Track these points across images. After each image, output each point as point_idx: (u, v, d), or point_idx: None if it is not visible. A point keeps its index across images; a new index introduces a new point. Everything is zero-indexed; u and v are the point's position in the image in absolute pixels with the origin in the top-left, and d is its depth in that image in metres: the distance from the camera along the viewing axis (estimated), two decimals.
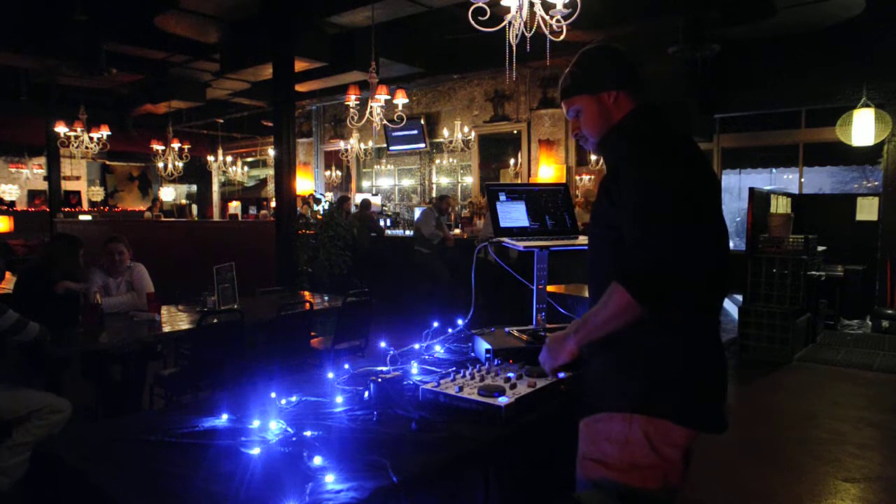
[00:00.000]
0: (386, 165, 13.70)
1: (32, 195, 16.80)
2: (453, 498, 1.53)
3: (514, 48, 3.89)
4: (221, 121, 13.66)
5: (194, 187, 19.13)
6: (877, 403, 4.85)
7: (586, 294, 2.83)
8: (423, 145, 12.16)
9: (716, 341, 1.60)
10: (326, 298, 5.05)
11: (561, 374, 1.94)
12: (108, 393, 3.84)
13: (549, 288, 2.50)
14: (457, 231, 9.90)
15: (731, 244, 10.94)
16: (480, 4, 3.67)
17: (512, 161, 11.05)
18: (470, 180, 12.05)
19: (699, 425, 1.53)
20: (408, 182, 13.60)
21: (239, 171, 16.46)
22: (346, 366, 2.20)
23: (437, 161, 12.72)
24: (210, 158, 15.04)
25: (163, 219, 13.75)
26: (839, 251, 7.60)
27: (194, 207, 17.42)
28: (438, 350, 2.42)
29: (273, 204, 8.36)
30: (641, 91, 1.73)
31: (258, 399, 1.84)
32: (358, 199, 11.02)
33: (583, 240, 2.39)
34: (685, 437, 1.52)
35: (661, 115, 1.69)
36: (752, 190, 6.63)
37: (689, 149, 1.62)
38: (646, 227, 1.46)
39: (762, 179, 11.14)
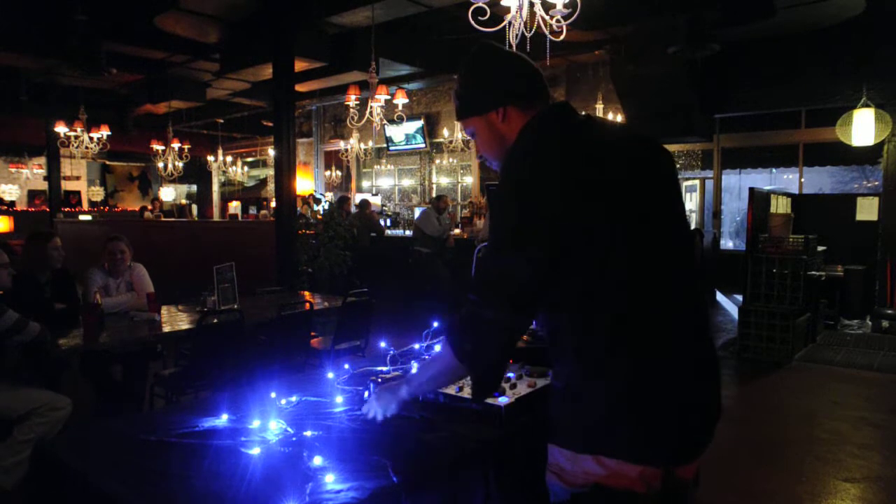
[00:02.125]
0: (386, 165, 13.71)
1: (32, 195, 16.80)
2: (453, 498, 1.53)
3: (514, 48, 3.89)
4: (221, 121, 13.66)
5: (194, 187, 19.13)
6: (877, 403, 4.85)
7: None
8: (423, 145, 12.17)
9: (661, 359, 1.37)
10: (326, 298, 5.05)
11: None
12: (108, 393, 3.84)
13: None
14: (457, 231, 9.90)
15: (731, 244, 10.97)
16: (480, 4, 3.67)
17: None
18: (470, 180, 12.06)
19: (652, 461, 1.36)
20: (408, 182, 13.60)
21: (239, 171, 16.47)
22: (346, 366, 2.20)
23: (437, 161, 12.72)
24: (210, 158, 15.05)
25: (163, 219, 13.75)
26: (839, 251, 7.60)
27: (194, 207, 17.43)
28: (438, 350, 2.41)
29: (273, 204, 8.36)
30: (542, 99, 1.53)
31: (258, 399, 1.84)
32: (357, 199, 11.02)
33: None
34: (639, 471, 1.35)
35: (558, 117, 1.49)
36: (752, 190, 6.63)
37: (585, 147, 1.42)
38: (480, 266, 1.41)
39: (762, 179, 11.14)
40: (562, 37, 3.86)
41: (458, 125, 11.06)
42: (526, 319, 1.44)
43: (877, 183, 8.60)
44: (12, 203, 15.36)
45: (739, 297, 6.73)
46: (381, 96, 6.85)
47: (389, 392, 1.62)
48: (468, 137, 11.02)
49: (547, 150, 1.40)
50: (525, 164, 1.40)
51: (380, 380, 1.87)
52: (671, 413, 1.37)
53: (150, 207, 16.00)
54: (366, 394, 1.79)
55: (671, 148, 10.52)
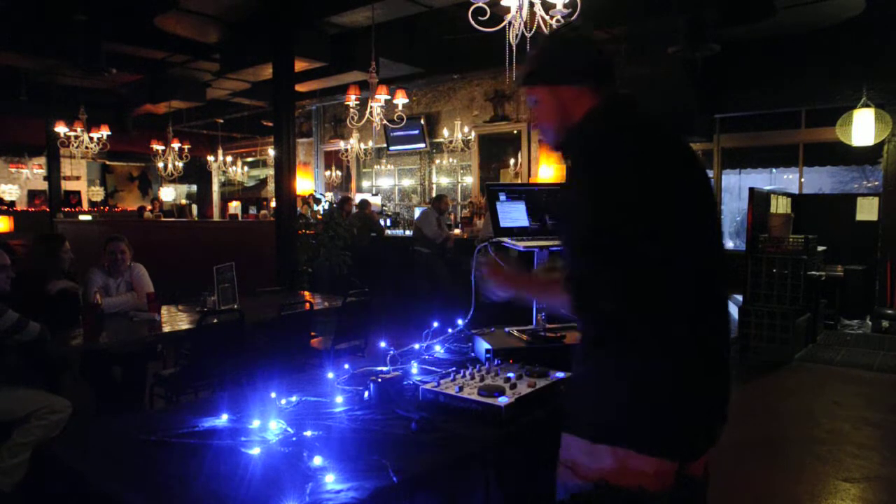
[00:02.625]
0: (386, 165, 13.70)
1: (32, 195, 16.79)
2: (453, 498, 1.54)
3: (514, 48, 3.89)
4: (221, 121, 13.66)
5: (194, 187, 19.12)
6: (877, 403, 4.85)
7: None
8: (423, 145, 12.16)
9: (695, 357, 1.42)
10: (326, 298, 5.05)
11: (560, 374, 1.94)
12: (108, 393, 3.84)
13: None
14: (457, 231, 9.90)
15: (732, 244, 10.97)
16: (480, 4, 3.67)
17: (512, 161, 11.05)
18: (470, 180, 12.05)
19: (670, 455, 1.39)
20: (408, 182, 13.59)
21: (239, 171, 16.46)
22: (346, 366, 2.20)
23: (437, 161, 12.71)
24: (210, 158, 15.04)
25: (163, 219, 13.75)
26: (839, 251, 7.60)
27: (194, 207, 17.42)
28: (438, 350, 2.42)
29: (273, 204, 8.36)
30: (610, 85, 1.58)
31: (258, 399, 1.84)
32: (358, 199, 11.03)
33: None
34: (655, 465, 1.38)
35: (627, 109, 1.57)
36: (752, 190, 6.63)
37: (657, 147, 1.50)
38: (584, 235, 1.39)
39: (762, 179, 11.14)
40: None
41: (457, 125, 11.06)
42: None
43: (877, 183, 8.59)
44: (12, 203, 15.35)
45: (739, 297, 6.73)
46: (381, 96, 6.85)
47: (504, 277, 1.65)
48: (464, 142, 10.93)
49: (626, 148, 1.45)
50: (606, 160, 1.43)
51: (379, 379, 1.87)
52: (694, 407, 1.41)
53: (148, 207, 15.99)
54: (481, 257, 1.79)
55: None
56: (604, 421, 1.41)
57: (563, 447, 1.49)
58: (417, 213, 9.94)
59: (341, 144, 12.68)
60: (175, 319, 4.06)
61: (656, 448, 1.37)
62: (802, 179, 9.06)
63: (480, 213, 10.92)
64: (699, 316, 1.43)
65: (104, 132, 10.55)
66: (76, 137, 10.33)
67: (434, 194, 11.98)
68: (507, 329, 2.42)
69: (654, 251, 1.36)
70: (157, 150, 12.05)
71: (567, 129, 1.57)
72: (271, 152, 10.17)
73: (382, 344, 2.36)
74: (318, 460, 1.44)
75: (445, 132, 11.15)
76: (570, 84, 1.56)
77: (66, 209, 13.95)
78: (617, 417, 1.39)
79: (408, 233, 10.19)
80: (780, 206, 7.23)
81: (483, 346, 2.20)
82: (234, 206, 15.63)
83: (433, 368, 2.14)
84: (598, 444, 1.40)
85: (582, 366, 1.50)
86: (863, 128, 7.42)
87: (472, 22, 3.75)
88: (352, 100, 7.26)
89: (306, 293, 5.47)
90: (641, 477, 1.37)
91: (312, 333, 4.58)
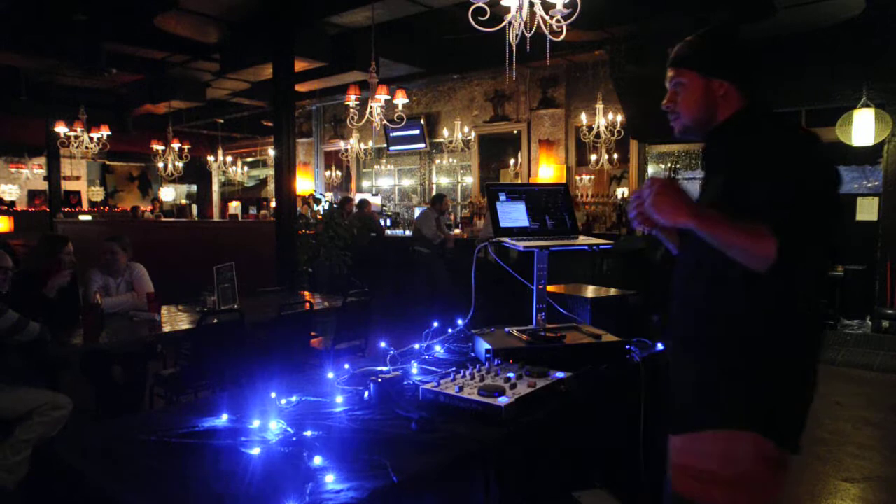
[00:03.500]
0: (386, 165, 13.70)
1: (32, 195, 16.78)
2: (453, 498, 1.53)
3: (514, 48, 3.89)
4: (221, 121, 13.66)
5: (194, 187, 19.11)
6: (877, 403, 4.85)
7: (586, 294, 2.83)
8: (423, 145, 12.16)
9: (818, 350, 1.49)
10: (326, 298, 5.05)
11: (560, 374, 1.94)
12: (108, 393, 3.84)
13: (549, 288, 2.50)
14: (457, 231, 9.90)
15: None
16: (480, 4, 3.67)
17: (512, 161, 11.05)
18: (470, 180, 12.05)
19: (791, 445, 1.46)
20: (408, 182, 13.60)
21: (239, 171, 16.46)
22: (346, 366, 2.20)
23: (437, 161, 12.71)
24: (210, 158, 15.04)
25: (163, 219, 13.74)
26: (839, 251, 7.60)
27: (194, 207, 17.42)
28: (438, 350, 2.42)
29: (273, 204, 8.36)
30: (753, 89, 1.59)
31: (258, 399, 1.84)
32: (357, 199, 11.02)
33: (583, 240, 2.39)
34: (786, 458, 1.46)
35: (781, 117, 1.60)
36: None
37: (818, 143, 1.53)
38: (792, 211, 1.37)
39: None
40: (562, 37, 3.85)
41: (457, 125, 11.05)
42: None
43: (877, 183, 8.59)
44: (12, 203, 15.35)
45: None
46: (381, 96, 6.85)
47: (675, 200, 1.46)
48: (464, 142, 10.87)
49: (812, 152, 1.48)
50: (798, 163, 1.44)
51: (379, 379, 1.87)
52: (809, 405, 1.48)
53: (143, 208, 15.96)
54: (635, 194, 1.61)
55: (671, 148, 10.52)
56: (752, 407, 1.43)
57: (682, 454, 1.52)
58: (417, 213, 9.94)
59: (341, 144, 12.67)
60: (175, 319, 4.06)
61: (791, 441, 1.47)
62: None
63: (480, 213, 10.92)
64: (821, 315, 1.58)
65: (104, 132, 10.55)
66: (76, 137, 10.33)
67: (434, 194, 12.00)
68: (507, 329, 2.42)
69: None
70: (157, 150, 12.04)
71: (709, 119, 1.58)
72: (271, 152, 10.17)
73: (382, 344, 2.36)
74: (318, 460, 1.44)
75: (445, 132, 11.15)
76: (723, 78, 1.55)
77: (66, 209, 13.95)
78: (770, 404, 1.42)
79: (408, 233, 10.19)
80: None
81: (483, 346, 2.20)
82: (234, 206, 15.63)
83: (433, 368, 2.14)
84: (741, 431, 1.42)
85: (714, 355, 1.48)
86: (863, 128, 7.42)
87: (472, 22, 3.75)
88: (352, 100, 7.26)
89: (306, 293, 5.47)
90: (779, 471, 1.46)
91: (312, 333, 4.58)
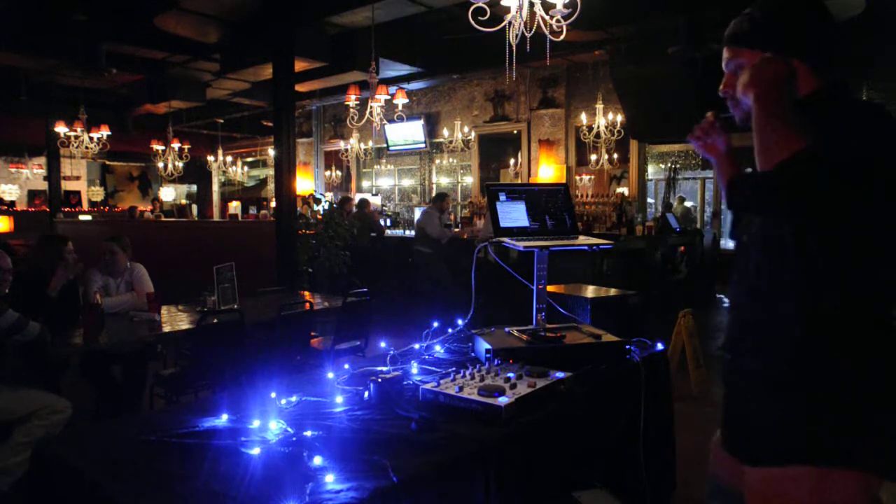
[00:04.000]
0: (386, 165, 13.70)
1: (32, 195, 16.78)
2: (453, 498, 1.53)
3: (514, 48, 3.89)
4: (221, 121, 13.66)
5: (194, 187, 19.12)
6: None
7: (586, 294, 2.84)
8: (423, 145, 12.17)
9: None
10: (326, 298, 5.05)
11: (560, 374, 1.94)
12: (108, 393, 3.84)
13: (549, 288, 2.50)
14: (456, 231, 9.90)
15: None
16: (480, 4, 3.67)
17: (512, 161, 11.06)
18: (470, 180, 12.06)
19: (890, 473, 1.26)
20: (408, 182, 13.60)
21: (239, 171, 16.46)
22: (346, 366, 2.20)
23: (437, 161, 12.72)
24: (210, 158, 15.04)
25: (163, 219, 13.74)
26: None
27: (194, 207, 17.41)
28: (438, 350, 2.42)
29: (273, 204, 8.36)
30: (830, 70, 1.37)
31: (258, 399, 1.84)
32: (357, 199, 11.03)
33: (583, 240, 2.39)
34: (876, 487, 1.24)
35: (866, 105, 1.41)
36: None
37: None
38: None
39: None
40: (562, 37, 3.85)
41: (457, 125, 11.05)
42: None
43: None
44: (12, 203, 15.35)
45: None
46: (381, 96, 6.85)
47: (720, 152, 1.50)
48: (464, 142, 10.86)
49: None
50: (876, 141, 1.24)
51: (379, 379, 1.87)
52: None
53: (141, 208, 15.96)
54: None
55: (671, 148, 10.53)
56: (837, 439, 1.23)
57: (760, 496, 1.32)
58: (418, 212, 9.94)
59: (341, 144, 12.68)
60: (175, 319, 4.05)
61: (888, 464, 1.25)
62: None
63: (480, 213, 10.93)
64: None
65: (104, 132, 10.55)
66: (76, 137, 10.33)
67: (435, 193, 12.01)
68: (507, 329, 2.42)
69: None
70: (157, 150, 12.05)
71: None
72: (271, 152, 10.17)
73: (382, 344, 2.36)
74: (318, 460, 1.44)
75: (445, 132, 11.16)
76: (797, 55, 1.33)
77: (66, 209, 13.95)
78: (858, 433, 1.23)
79: (408, 233, 10.19)
80: None
81: (483, 346, 2.20)
82: (234, 206, 15.63)
83: (433, 368, 2.14)
84: (834, 469, 1.23)
85: (795, 387, 1.29)
86: None
87: (472, 22, 3.75)
88: (352, 100, 7.27)
89: (306, 293, 5.47)
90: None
91: (312, 333, 4.58)
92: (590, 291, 2.96)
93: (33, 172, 16.42)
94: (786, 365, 1.31)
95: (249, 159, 17.39)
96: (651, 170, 10.80)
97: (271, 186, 15.25)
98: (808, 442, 1.26)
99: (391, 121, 7.17)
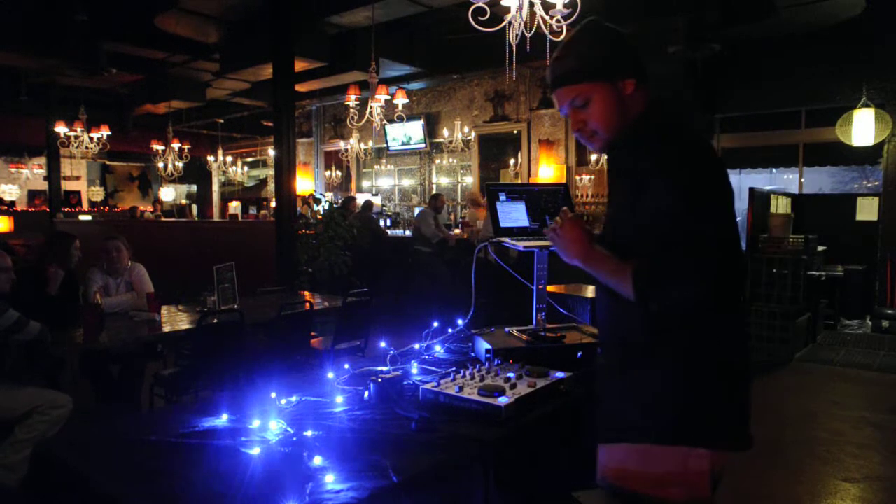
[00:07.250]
0: (386, 165, 13.70)
1: (32, 195, 16.79)
2: (453, 498, 1.53)
3: (514, 48, 3.89)
4: (221, 121, 13.67)
5: (194, 187, 19.13)
6: (877, 403, 4.85)
7: (586, 294, 2.84)
8: (423, 145, 12.16)
9: (740, 348, 1.48)
10: (326, 298, 5.05)
11: (560, 374, 1.94)
12: (108, 393, 3.84)
13: (549, 288, 2.50)
14: (456, 231, 9.90)
15: None
16: (480, 4, 3.67)
17: (512, 161, 11.05)
18: (470, 180, 12.05)
19: (726, 446, 1.44)
20: (408, 182, 13.60)
21: (239, 171, 16.46)
22: (346, 366, 2.20)
23: (437, 161, 12.71)
24: (210, 158, 15.05)
25: (163, 219, 13.75)
26: (839, 251, 7.60)
27: (194, 207, 17.42)
28: (438, 350, 2.42)
29: (273, 204, 8.36)
30: (648, 82, 1.53)
31: (258, 399, 1.84)
32: (360, 199, 11.03)
33: None
34: (710, 459, 1.42)
35: (677, 110, 1.56)
36: (752, 190, 6.63)
37: (709, 146, 1.52)
38: (683, 234, 1.35)
39: (762, 179, 11.14)
40: (562, 37, 3.85)
41: (457, 125, 11.05)
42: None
43: (877, 183, 8.60)
44: (12, 203, 15.35)
45: None
46: (381, 96, 6.85)
47: (575, 245, 1.56)
48: (464, 142, 10.84)
49: (707, 159, 1.44)
50: (691, 172, 1.40)
51: (379, 379, 1.87)
52: (748, 393, 1.46)
53: (141, 208, 15.97)
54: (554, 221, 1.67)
55: None
56: (671, 419, 1.42)
57: (608, 456, 1.54)
58: (417, 213, 9.95)
59: (341, 144, 12.67)
60: (175, 319, 4.06)
61: (725, 437, 1.42)
62: (802, 179, 9.06)
63: (476, 205, 10.91)
64: (743, 309, 1.55)
65: (104, 132, 10.55)
66: (76, 137, 10.33)
67: (432, 194, 12.00)
68: (507, 329, 2.42)
69: (732, 248, 1.42)
70: (157, 150, 12.05)
71: (625, 125, 1.49)
72: (271, 152, 10.18)
73: (382, 344, 2.36)
74: (318, 460, 1.44)
75: (445, 132, 11.16)
76: (627, 76, 1.48)
77: (66, 209, 13.95)
78: (687, 413, 1.41)
79: (408, 233, 10.19)
80: (781, 206, 7.23)
81: (483, 346, 2.20)
82: (234, 206, 15.63)
83: (433, 368, 2.14)
84: (659, 445, 1.42)
85: (629, 371, 1.48)
86: (863, 128, 7.42)
87: (472, 22, 3.75)
88: (352, 100, 7.27)
89: (306, 293, 5.47)
90: (699, 476, 1.41)
91: (312, 333, 4.58)
92: (590, 291, 2.96)
93: (33, 172, 16.42)
94: (621, 353, 1.51)
95: (249, 159, 17.39)
96: None
97: (271, 186, 15.25)
98: (626, 422, 1.47)
99: (391, 121, 7.17)
